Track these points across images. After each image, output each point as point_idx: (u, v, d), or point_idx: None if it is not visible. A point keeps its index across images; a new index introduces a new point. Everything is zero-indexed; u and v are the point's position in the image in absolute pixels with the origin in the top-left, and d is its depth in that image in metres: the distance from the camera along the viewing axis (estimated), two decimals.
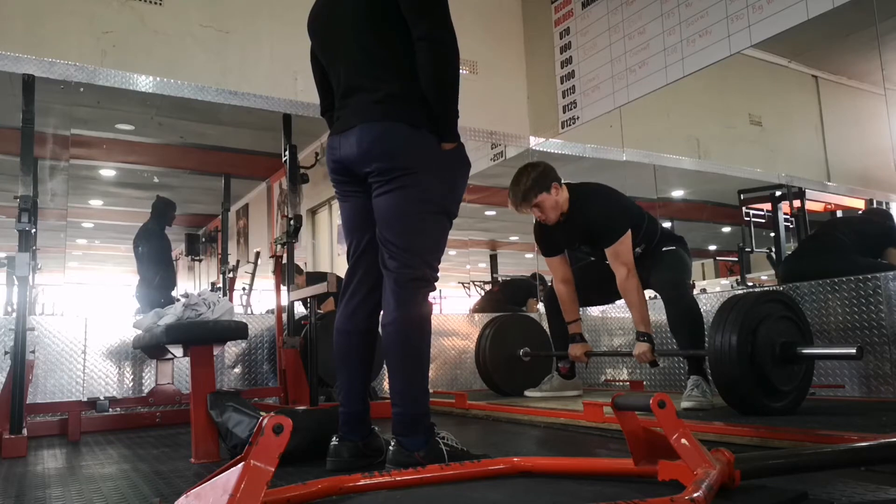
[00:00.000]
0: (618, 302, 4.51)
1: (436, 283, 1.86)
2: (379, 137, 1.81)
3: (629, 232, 2.89)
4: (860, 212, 4.18)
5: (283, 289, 3.49)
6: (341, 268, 5.18)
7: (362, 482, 1.45)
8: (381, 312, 1.87)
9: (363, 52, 1.86)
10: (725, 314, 2.35)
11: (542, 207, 2.97)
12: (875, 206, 4.90)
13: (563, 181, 3.02)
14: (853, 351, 2.19)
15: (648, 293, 3.05)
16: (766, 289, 2.37)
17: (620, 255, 2.87)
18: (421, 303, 1.81)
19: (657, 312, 3.22)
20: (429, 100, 1.81)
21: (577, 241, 3.10)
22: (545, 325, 3.67)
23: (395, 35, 1.82)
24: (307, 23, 2.03)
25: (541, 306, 5.52)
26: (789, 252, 4.19)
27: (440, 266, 1.88)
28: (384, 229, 1.84)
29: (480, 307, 5.81)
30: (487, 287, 6.65)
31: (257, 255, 6.63)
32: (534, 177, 2.94)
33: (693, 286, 4.86)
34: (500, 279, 6.88)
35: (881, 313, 2.76)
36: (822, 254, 3.39)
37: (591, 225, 2.95)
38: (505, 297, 5.69)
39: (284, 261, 3.48)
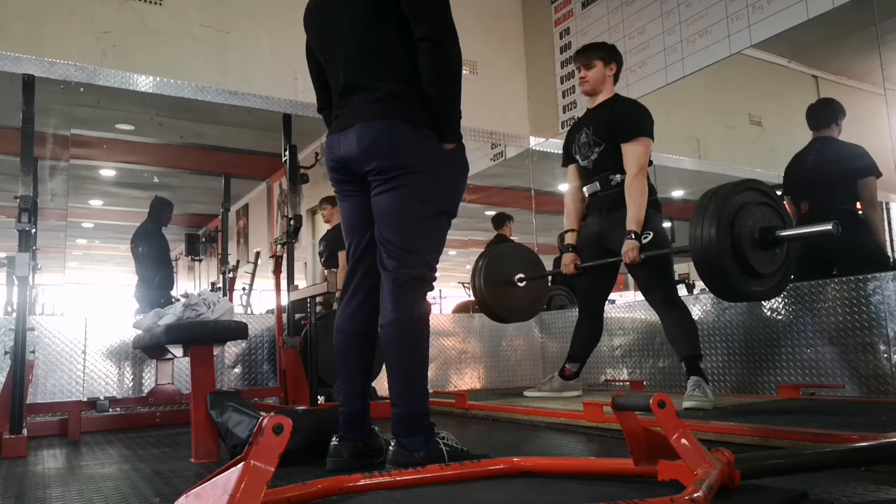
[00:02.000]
0: (618, 302, 4.52)
1: (434, 283, 1.86)
2: (379, 136, 1.80)
3: (651, 142, 2.94)
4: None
5: (283, 289, 3.49)
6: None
7: (362, 482, 1.45)
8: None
9: (363, 51, 1.86)
10: (704, 206, 2.36)
11: (591, 69, 3.10)
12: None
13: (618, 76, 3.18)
14: (828, 227, 2.22)
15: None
16: (741, 179, 2.41)
17: (638, 155, 2.91)
18: (419, 303, 1.80)
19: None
20: (431, 100, 1.81)
21: (594, 133, 3.11)
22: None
23: (395, 33, 1.82)
24: (303, 17, 2.02)
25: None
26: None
27: (439, 266, 1.88)
28: (383, 228, 1.83)
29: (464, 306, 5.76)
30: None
31: (257, 255, 6.63)
32: (609, 46, 3.17)
33: (693, 286, 4.88)
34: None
35: (881, 313, 2.76)
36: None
37: (620, 115, 3.01)
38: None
39: (284, 261, 3.48)
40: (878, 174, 3.28)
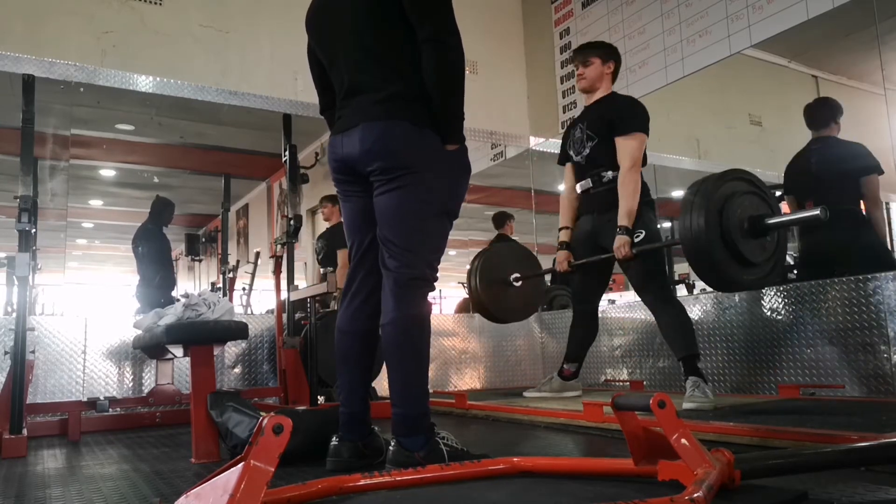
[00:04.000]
0: (618, 302, 4.52)
1: (435, 284, 1.86)
2: (381, 136, 1.80)
3: (645, 138, 2.95)
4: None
5: (283, 289, 3.49)
6: None
7: (362, 482, 1.45)
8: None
9: (366, 52, 1.86)
10: (691, 198, 2.37)
11: (588, 66, 3.12)
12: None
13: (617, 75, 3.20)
14: (817, 212, 2.23)
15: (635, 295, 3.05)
16: (726, 169, 2.43)
17: (632, 150, 2.92)
18: (420, 303, 1.80)
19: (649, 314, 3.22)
20: (433, 101, 1.81)
21: (588, 127, 3.12)
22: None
23: (397, 34, 1.82)
24: (305, 19, 2.02)
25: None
26: (791, 255, 4.17)
27: (440, 266, 1.88)
28: (385, 229, 1.83)
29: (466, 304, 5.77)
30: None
31: (257, 255, 6.63)
32: (606, 44, 3.21)
33: (693, 286, 4.88)
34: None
35: (881, 313, 2.76)
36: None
37: (616, 109, 3.02)
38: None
39: (284, 261, 3.48)
40: (881, 171, 3.28)
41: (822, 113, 3.48)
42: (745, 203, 2.38)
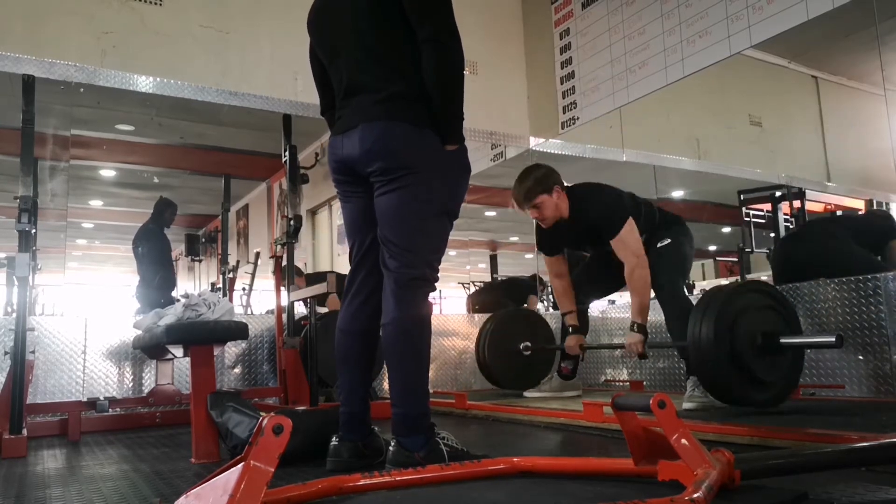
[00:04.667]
0: (618, 302, 4.51)
1: (436, 284, 1.86)
2: (381, 136, 1.80)
3: (631, 219, 2.91)
4: (861, 212, 4.18)
5: (283, 289, 3.49)
6: (341, 268, 5.18)
7: (362, 482, 1.45)
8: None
9: (366, 52, 1.86)
10: (704, 306, 2.36)
11: (541, 208, 2.99)
12: (875, 206, 4.90)
13: (564, 184, 3.04)
14: (832, 339, 2.21)
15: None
16: (747, 280, 2.40)
17: (628, 244, 2.88)
18: (421, 303, 1.80)
19: (655, 313, 3.22)
20: (433, 101, 1.81)
21: (586, 243, 3.15)
22: (548, 321, 3.66)
23: (397, 34, 1.82)
24: (307, 20, 2.02)
25: (540, 306, 5.53)
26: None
27: (440, 266, 1.88)
28: (385, 229, 1.83)
29: (479, 301, 5.79)
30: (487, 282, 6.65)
31: (257, 255, 6.63)
32: (536, 177, 2.99)
33: (693, 287, 4.88)
34: (499, 279, 6.88)
35: (881, 313, 2.76)
36: (825, 238, 3.35)
37: (594, 223, 2.97)
38: (505, 295, 5.70)
39: (284, 261, 3.48)
40: None
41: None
42: (761, 318, 2.34)
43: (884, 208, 4.82)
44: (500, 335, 3.71)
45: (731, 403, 2.41)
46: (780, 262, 3.46)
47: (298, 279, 3.76)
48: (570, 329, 3.26)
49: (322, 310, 3.40)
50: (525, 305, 5.40)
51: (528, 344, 3.69)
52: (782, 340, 2.32)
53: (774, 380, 2.38)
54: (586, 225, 3.00)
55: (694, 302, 2.85)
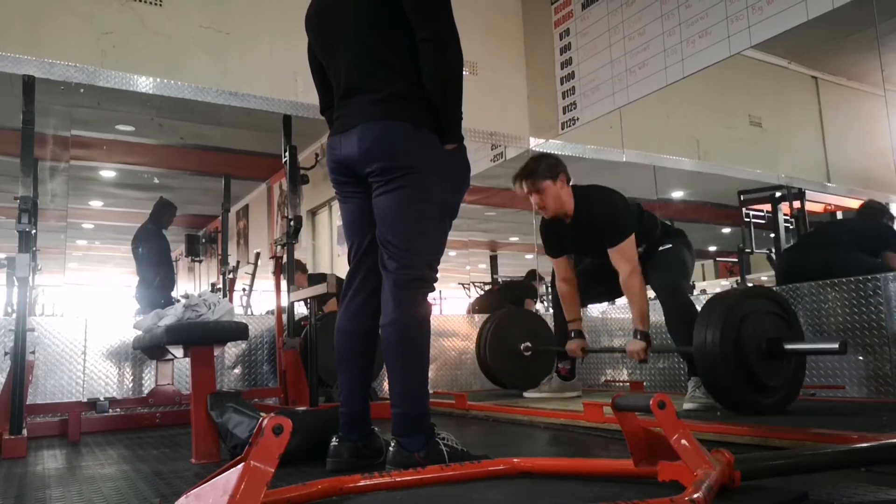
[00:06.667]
0: (618, 302, 4.51)
1: (435, 284, 1.86)
2: (380, 137, 1.80)
3: (633, 236, 2.90)
4: (858, 208, 4.15)
5: (283, 290, 3.49)
6: (341, 269, 5.18)
7: (362, 483, 1.45)
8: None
9: (365, 52, 1.86)
10: (709, 311, 2.36)
11: (544, 194, 2.95)
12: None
13: (570, 179, 3.03)
14: (835, 346, 2.21)
15: (648, 293, 3.05)
16: (752, 286, 2.41)
17: (625, 253, 2.87)
18: (420, 303, 1.80)
19: (656, 314, 3.22)
20: (432, 101, 1.81)
21: (588, 246, 3.08)
22: (547, 320, 3.67)
23: (397, 34, 1.82)
24: (306, 19, 2.02)
25: (539, 306, 5.53)
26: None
27: (440, 267, 1.88)
28: (384, 229, 1.83)
29: (479, 306, 5.81)
30: (487, 288, 6.66)
31: (257, 255, 6.63)
32: (547, 163, 2.98)
33: (693, 287, 4.88)
34: (499, 280, 6.89)
35: (881, 314, 2.76)
36: (827, 247, 3.37)
37: (599, 226, 2.94)
38: (504, 298, 5.70)
39: (284, 262, 3.48)
40: None
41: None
42: (766, 324, 2.36)
43: (877, 201, 4.81)
44: (500, 335, 3.72)
45: (737, 409, 2.41)
46: (786, 269, 3.46)
47: (301, 275, 3.76)
48: (573, 334, 3.25)
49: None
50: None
51: (529, 344, 3.69)
52: (787, 346, 2.33)
53: (779, 384, 2.38)
54: (590, 227, 2.97)
55: (694, 302, 2.86)
